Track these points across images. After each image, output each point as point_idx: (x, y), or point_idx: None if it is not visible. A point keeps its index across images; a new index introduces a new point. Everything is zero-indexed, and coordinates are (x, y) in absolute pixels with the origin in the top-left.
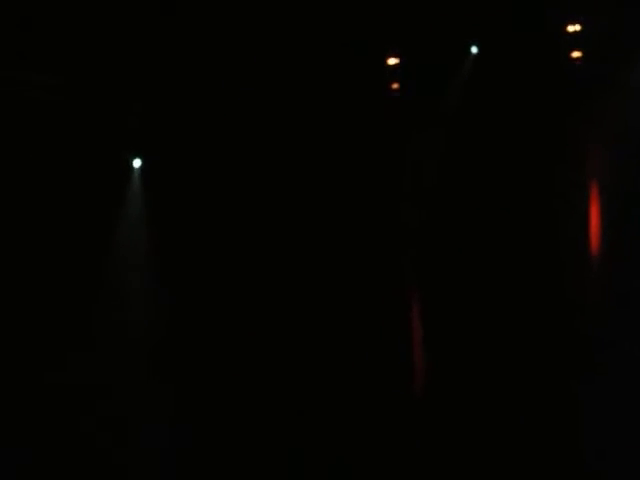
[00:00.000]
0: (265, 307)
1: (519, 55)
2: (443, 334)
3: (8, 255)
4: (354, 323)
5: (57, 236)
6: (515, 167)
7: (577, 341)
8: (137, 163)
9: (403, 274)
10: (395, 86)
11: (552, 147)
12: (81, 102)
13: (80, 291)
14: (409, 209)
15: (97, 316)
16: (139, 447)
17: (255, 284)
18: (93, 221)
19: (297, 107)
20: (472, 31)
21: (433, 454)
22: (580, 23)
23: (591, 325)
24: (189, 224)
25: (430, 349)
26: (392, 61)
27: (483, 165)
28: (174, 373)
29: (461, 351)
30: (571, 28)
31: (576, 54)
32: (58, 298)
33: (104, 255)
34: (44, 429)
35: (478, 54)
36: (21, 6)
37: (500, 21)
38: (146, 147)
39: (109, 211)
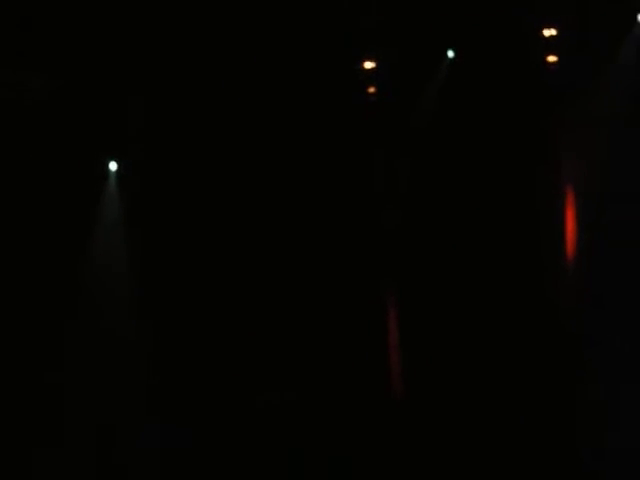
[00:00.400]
0: (244, 308)
1: (495, 59)
2: (422, 337)
3: None
4: (333, 326)
5: (32, 240)
6: (491, 171)
7: (555, 339)
8: (113, 166)
9: (380, 278)
10: (371, 90)
11: (527, 151)
12: (60, 104)
13: (56, 296)
14: (386, 212)
15: (74, 321)
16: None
17: (234, 287)
18: (69, 225)
19: (273, 111)
20: (449, 35)
21: (415, 455)
22: (556, 27)
23: (569, 323)
24: (167, 227)
25: (409, 352)
26: (368, 65)
27: (459, 168)
28: (156, 374)
29: (440, 353)
30: (547, 32)
31: (551, 58)
32: (35, 302)
33: (80, 259)
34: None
35: (454, 58)
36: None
37: (476, 25)
38: (123, 150)
39: (85, 214)
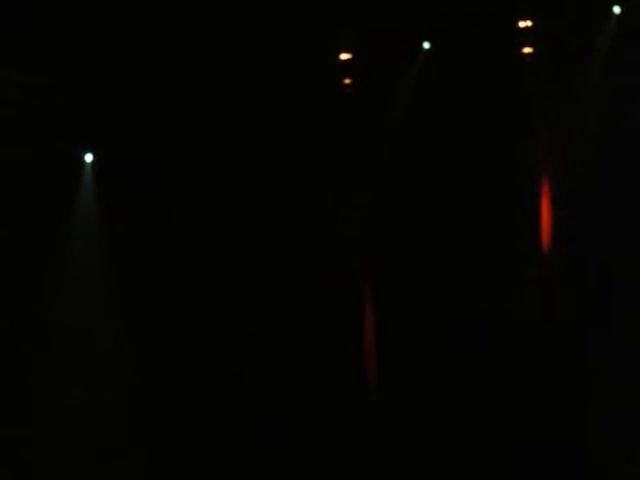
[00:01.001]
0: (221, 304)
1: (471, 50)
2: (399, 330)
3: None
4: (309, 321)
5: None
6: (466, 167)
7: (532, 329)
8: (89, 158)
9: (351, 282)
10: (347, 82)
11: (504, 142)
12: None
13: (29, 289)
14: (353, 214)
15: (51, 319)
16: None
17: (211, 281)
18: (42, 221)
19: (249, 103)
20: (424, 26)
21: (393, 452)
22: (531, 19)
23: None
24: (144, 220)
25: (386, 347)
26: (344, 57)
27: (436, 160)
28: (133, 370)
29: (418, 347)
30: (522, 24)
31: (527, 50)
32: (7, 296)
33: (54, 258)
34: None
35: (430, 49)
36: None
37: (452, 16)
38: (98, 141)
39: (59, 209)
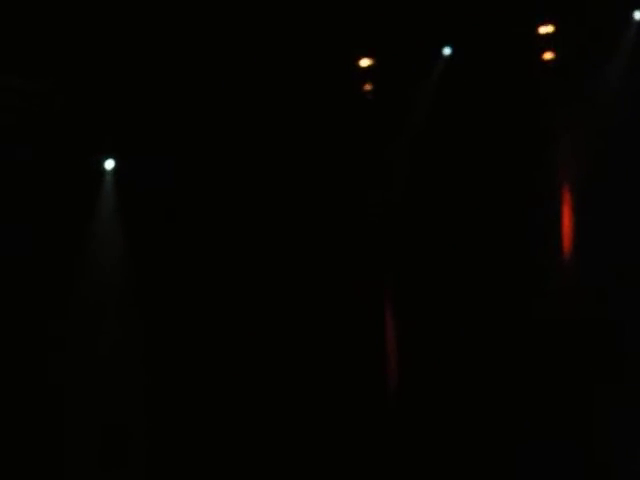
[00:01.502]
0: (241, 305)
1: (491, 56)
2: (419, 330)
3: None
4: (329, 320)
5: (29, 240)
6: (487, 172)
7: (551, 330)
8: (110, 165)
9: (377, 285)
10: (367, 88)
11: (525, 148)
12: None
13: (50, 296)
14: (374, 218)
15: (68, 321)
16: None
17: (230, 284)
18: (65, 224)
19: (267, 108)
20: (445, 32)
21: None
22: (553, 24)
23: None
24: (164, 226)
25: (407, 346)
26: (364, 62)
27: (454, 169)
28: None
29: (438, 347)
30: (543, 29)
31: (548, 55)
32: (29, 301)
33: (75, 267)
34: None
35: (450, 55)
36: None
37: (473, 22)
38: (120, 147)
39: (81, 214)
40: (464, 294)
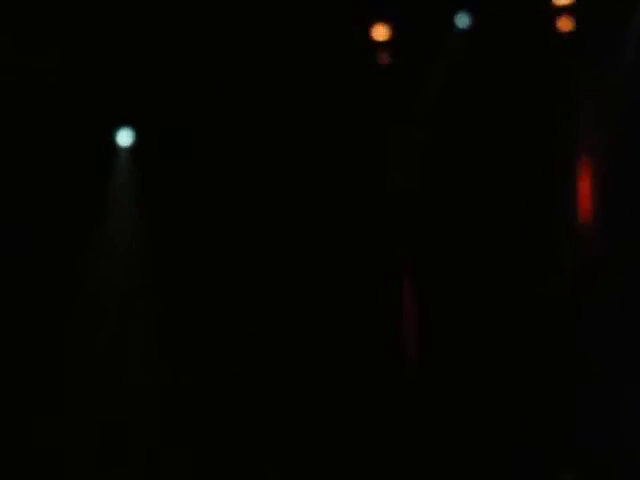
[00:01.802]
0: (257, 288)
1: (509, 26)
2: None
3: None
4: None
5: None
6: (505, 145)
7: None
8: (126, 140)
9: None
10: (383, 59)
11: (544, 127)
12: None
13: (64, 279)
14: (391, 197)
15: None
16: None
17: (247, 263)
18: (79, 202)
19: (284, 78)
20: (461, 2)
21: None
22: None
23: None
24: (180, 203)
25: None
26: (378, 33)
27: (471, 141)
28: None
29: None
30: (560, 0)
31: (565, 26)
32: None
33: (88, 250)
34: None
35: (467, 27)
36: None
37: None
38: (137, 122)
39: (96, 191)
40: (482, 274)
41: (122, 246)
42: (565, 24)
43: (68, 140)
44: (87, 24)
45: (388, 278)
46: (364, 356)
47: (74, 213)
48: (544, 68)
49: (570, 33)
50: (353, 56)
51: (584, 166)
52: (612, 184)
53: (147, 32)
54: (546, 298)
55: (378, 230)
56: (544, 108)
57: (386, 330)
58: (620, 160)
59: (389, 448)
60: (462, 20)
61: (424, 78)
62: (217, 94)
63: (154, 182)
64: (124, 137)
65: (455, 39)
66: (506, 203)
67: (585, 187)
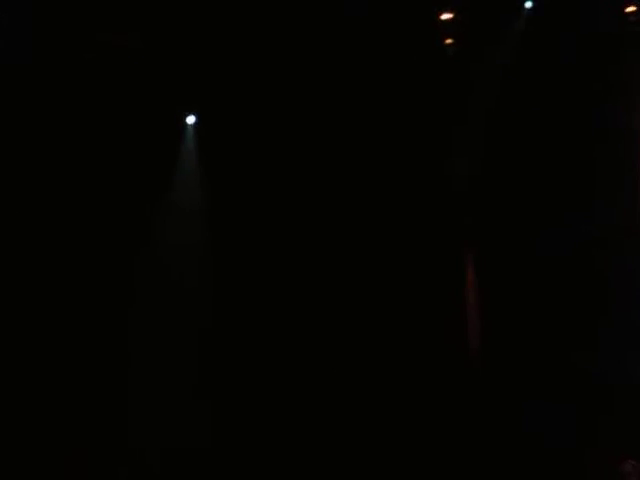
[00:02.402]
0: (318, 272)
1: (574, 10)
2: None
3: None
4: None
5: (107, 197)
6: (567, 130)
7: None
8: (191, 120)
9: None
10: (448, 42)
11: (605, 113)
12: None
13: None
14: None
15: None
16: None
17: (311, 245)
18: (144, 183)
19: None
20: None
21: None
22: None
23: None
24: (246, 187)
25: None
26: (445, 16)
27: (534, 125)
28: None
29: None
30: None
31: (631, 9)
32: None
33: (155, 220)
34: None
35: (532, 9)
36: None
37: None
38: (201, 103)
39: (161, 172)
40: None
41: (187, 207)
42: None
43: (143, 114)
44: (167, 11)
45: (452, 272)
46: (429, 347)
47: (146, 178)
48: (609, 49)
49: (635, 15)
50: (420, 37)
51: None
52: None
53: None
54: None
55: (442, 222)
56: (610, 94)
57: (451, 321)
58: None
59: (454, 438)
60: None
61: (489, 60)
62: (284, 72)
63: (216, 154)
64: (191, 117)
65: (521, 21)
66: (570, 192)
67: None
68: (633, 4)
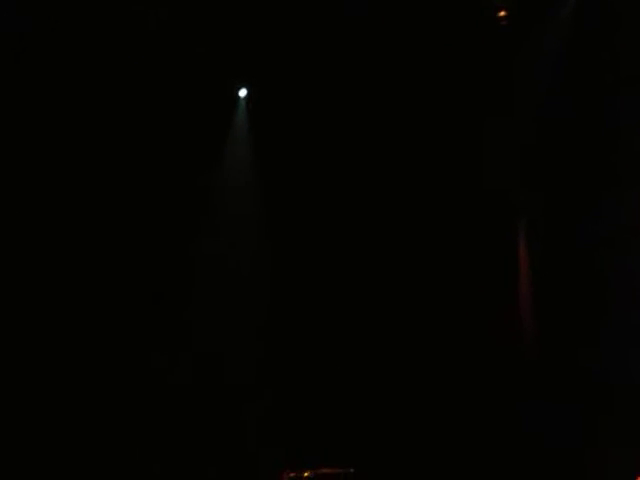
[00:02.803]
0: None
1: None
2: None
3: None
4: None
5: (159, 169)
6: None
7: None
8: (243, 93)
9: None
10: (502, 14)
11: None
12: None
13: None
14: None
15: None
16: None
17: (360, 228)
18: (196, 152)
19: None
20: None
21: None
22: None
23: None
24: (299, 163)
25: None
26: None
27: (585, 104)
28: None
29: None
30: None
31: None
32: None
33: (209, 188)
34: None
35: None
36: None
37: None
38: (253, 75)
39: (214, 143)
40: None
41: (236, 178)
42: None
43: (195, 87)
44: None
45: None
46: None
47: (199, 150)
48: None
49: None
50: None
51: None
52: None
53: None
54: None
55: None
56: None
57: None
58: None
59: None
60: None
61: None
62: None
63: (266, 127)
64: (243, 90)
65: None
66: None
67: None
68: None
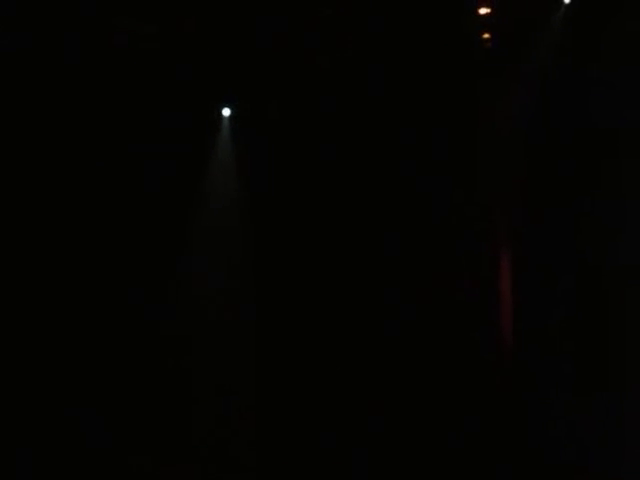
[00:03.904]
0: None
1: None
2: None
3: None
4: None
5: (141, 187)
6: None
7: None
8: (227, 112)
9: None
10: (486, 36)
11: None
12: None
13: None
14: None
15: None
16: None
17: (346, 239)
18: (179, 174)
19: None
20: None
21: None
22: None
23: None
24: (284, 178)
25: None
26: (483, 11)
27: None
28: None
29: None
30: None
31: None
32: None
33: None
34: None
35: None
36: None
37: None
38: (237, 95)
39: (197, 162)
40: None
41: (221, 192)
42: None
43: (178, 106)
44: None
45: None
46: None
47: (182, 170)
48: None
49: None
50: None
51: None
52: None
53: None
54: None
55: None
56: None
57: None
58: None
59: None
60: None
61: (528, 54)
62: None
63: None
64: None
65: (560, 15)
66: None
67: None
68: None
